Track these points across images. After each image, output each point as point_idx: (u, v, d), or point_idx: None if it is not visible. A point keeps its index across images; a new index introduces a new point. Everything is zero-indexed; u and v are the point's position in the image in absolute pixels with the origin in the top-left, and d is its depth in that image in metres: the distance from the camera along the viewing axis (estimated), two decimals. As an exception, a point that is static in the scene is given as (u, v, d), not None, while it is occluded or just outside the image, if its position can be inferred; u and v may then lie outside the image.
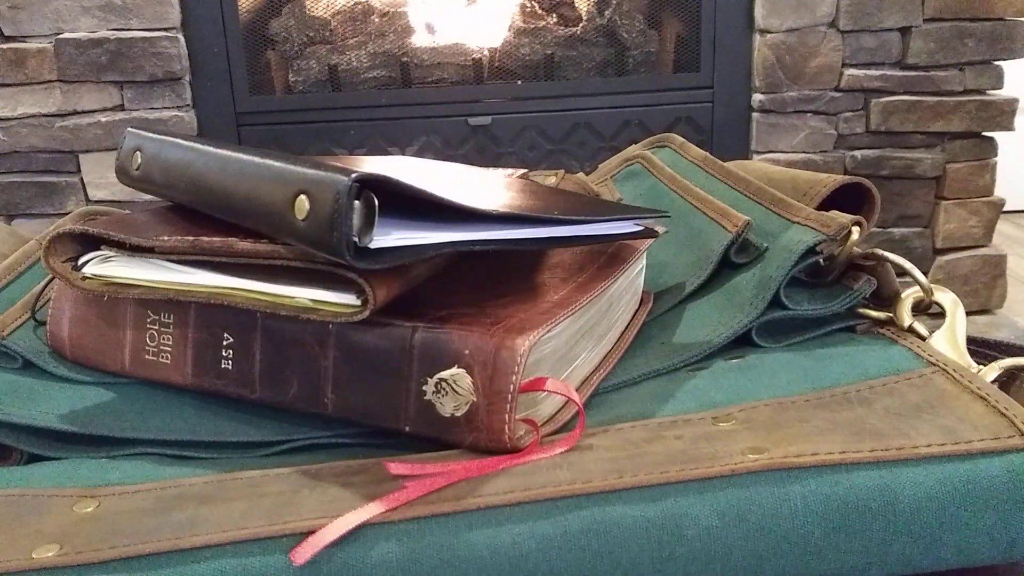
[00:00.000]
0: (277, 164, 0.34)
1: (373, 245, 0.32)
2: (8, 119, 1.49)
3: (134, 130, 0.46)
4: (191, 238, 0.37)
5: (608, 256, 0.45)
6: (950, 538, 0.31)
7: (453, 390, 0.34)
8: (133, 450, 0.38)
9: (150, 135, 0.44)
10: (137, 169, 0.44)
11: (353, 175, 0.31)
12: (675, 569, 0.31)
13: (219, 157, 0.38)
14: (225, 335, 0.39)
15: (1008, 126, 1.58)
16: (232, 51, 1.51)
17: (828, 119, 1.57)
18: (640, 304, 0.49)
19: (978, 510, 0.31)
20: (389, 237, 0.33)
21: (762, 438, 0.33)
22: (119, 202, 1.51)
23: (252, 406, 0.40)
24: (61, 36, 1.46)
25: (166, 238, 0.38)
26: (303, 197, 0.32)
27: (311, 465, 0.35)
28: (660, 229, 0.47)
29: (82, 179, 1.54)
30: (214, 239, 0.37)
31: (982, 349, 0.43)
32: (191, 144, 0.41)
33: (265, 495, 0.33)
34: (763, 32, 1.53)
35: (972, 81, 1.56)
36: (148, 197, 1.39)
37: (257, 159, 0.36)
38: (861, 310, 0.44)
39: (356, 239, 0.31)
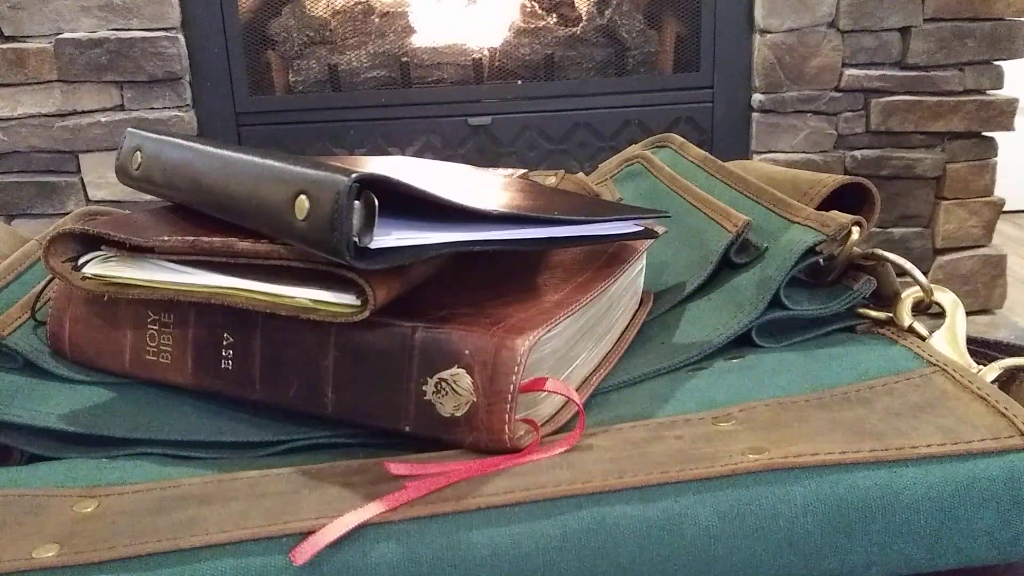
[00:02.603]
0: (277, 164, 0.34)
1: (373, 245, 0.32)
2: (8, 119, 1.49)
3: (134, 130, 0.46)
4: (191, 238, 0.37)
5: (608, 256, 0.45)
6: (950, 538, 0.31)
7: (453, 390, 0.34)
8: (133, 450, 0.38)
9: (150, 135, 0.44)
10: (137, 169, 0.44)
11: (353, 175, 0.31)
12: (675, 569, 0.31)
13: (219, 157, 0.38)
14: (225, 335, 0.39)
15: (1008, 126, 1.57)
16: (232, 51, 1.51)
17: (828, 119, 1.57)
18: (640, 304, 0.49)
19: (978, 510, 0.31)
20: (389, 237, 0.33)
21: (762, 438, 0.33)
22: (119, 202, 1.51)
23: (252, 406, 0.40)
24: (61, 36, 1.46)
25: (166, 238, 0.38)
26: (303, 197, 0.32)
27: (311, 465, 0.35)
28: (660, 229, 0.47)
29: (82, 179, 1.54)
30: (214, 239, 0.37)
31: (982, 349, 0.43)
32: (191, 144, 0.41)
33: (265, 495, 0.33)
34: (763, 32, 1.53)
35: (972, 81, 1.56)
36: (148, 197, 1.39)
37: (257, 159, 0.36)
38: (861, 310, 0.44)
39: (356, 239, 0.31)
